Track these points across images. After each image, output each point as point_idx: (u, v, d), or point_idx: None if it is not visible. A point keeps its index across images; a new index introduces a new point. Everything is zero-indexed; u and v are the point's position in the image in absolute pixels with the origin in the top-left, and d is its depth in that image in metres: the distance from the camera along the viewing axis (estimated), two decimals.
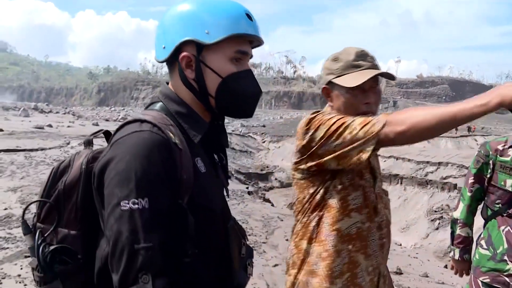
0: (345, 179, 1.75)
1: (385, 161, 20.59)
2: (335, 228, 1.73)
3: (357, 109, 1.78)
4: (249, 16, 1.32)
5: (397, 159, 20.58)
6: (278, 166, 26.97)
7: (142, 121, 1.23)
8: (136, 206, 1.12)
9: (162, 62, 1.37)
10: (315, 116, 1.70)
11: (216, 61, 1.30)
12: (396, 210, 15.48)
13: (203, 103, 1.34)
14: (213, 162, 1.42)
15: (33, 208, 1.35)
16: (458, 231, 2.91)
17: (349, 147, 1.58)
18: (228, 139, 1.52)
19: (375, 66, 1.82)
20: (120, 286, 1.12)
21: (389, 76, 1.82)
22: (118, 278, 1.12)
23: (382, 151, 1.62)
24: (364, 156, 1.57)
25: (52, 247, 1.24)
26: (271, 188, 21.58)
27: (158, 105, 1.35)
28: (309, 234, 1.78)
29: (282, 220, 9.31)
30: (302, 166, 1.76)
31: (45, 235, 1.26)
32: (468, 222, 2.89)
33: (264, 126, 55.60)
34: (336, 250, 1.73)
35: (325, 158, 1.65)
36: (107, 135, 1.39)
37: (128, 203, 1.12)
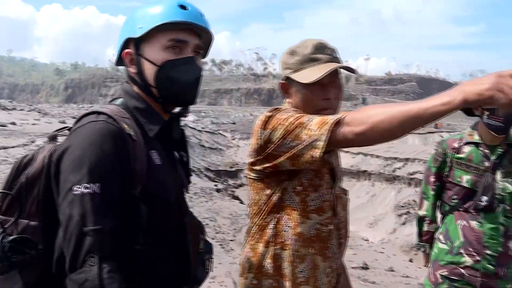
0: (304, 179, 1.68)
1: (353, 157, 20.86)
2: (298, 232, 1.67)
3: (316, 105, 1.68)
4: (183, 6, 1.38)
5: (365, 156, 20.87)
6: (246, 162, 26.79)
7: (99, 113, 1.30)
8: (87, 190, 1.17)
9: (117, 65, 1.50)
10: (272, 115, 1.60)
11: (151, 52, 1.37)
12: (364, 205, 15.73)
13: (148, 95, 1.40)
14: (172, 157, 1.47)
15: None
16: (426, 228, 2.99)
17: (302, 146, 1.50)
18: (184, 133, 1.57)
19: (334, 59, 1.71)
20: (70, 269, 1.15)
21: (348, 69, 1.70)
22: (68, 261, 1.16)
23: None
24: (316, 153, 1.47)
25: (11, 238, 1.26)
26: (241, 185, 21.55)
27: (119, 101, 1.41)
28: (266, 237, 1.71)
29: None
30: (257, 167, 1.68)
31: (5, 226, 1.28)
32: (435, 219, 2.98)
33: (234, 123, 55.40)
34: (299, 255, 1.67)
35: (280, 159, 1.58)
36: None
37: (80, 188, 1.17)
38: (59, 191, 1.22)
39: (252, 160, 1.69)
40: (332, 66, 1.65)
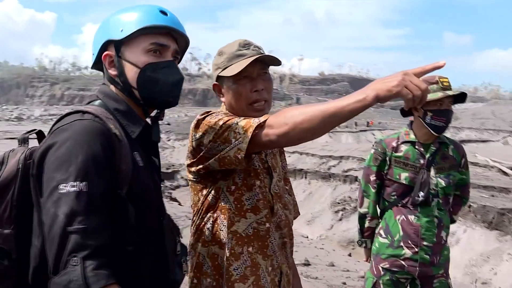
0: (237, 179, 1.72)
1: (289, 156, 21.18)
2: (232, 230, 1.71)
3: (248, 98, 1.74)
4: (163, 12, 1.41)
5: (301, 154, 21.25)
6: (184, 164, 26.43)
7: (84, 112, 1.28)
8: (74, 189, 1.11)
9: (93, 68, 1.48)
10: (204, 118, 1.66)
11: (133, 55, 1.37)
12: (301, 203, 16.01)
13: (130, 96, 1.40)
14: (151, 160, 1.48)
15: None
16: (367, 224, 3.10)
17: (229, 148, 1.56)
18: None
19: (260, 54, 1.76)
20: (53, 271, 1.09)
21: (273, 59, 1.77)
22: (51, 263, 1.09)
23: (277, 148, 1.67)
24: (240, 155, 1.54)
25: None
26: (177, 186, 21.29)
27: (97, 102, 1.39)
28: (204, 236, 1.75)
29: (190, 219, 9.24)
30: (193, 169, 1.73)
31: None
32: (376, 215, 3.09)
33: (169, 124, 54.65)
34: (233, 253, 1.70)
35: (210, 161, 1.63)
36: (40, 135, 1.41)
37: (67, 186, 1.12)
38: (42, 191, 1.16)
39: (188, 162, 1.75)
40: (256, 56, 1.72)
